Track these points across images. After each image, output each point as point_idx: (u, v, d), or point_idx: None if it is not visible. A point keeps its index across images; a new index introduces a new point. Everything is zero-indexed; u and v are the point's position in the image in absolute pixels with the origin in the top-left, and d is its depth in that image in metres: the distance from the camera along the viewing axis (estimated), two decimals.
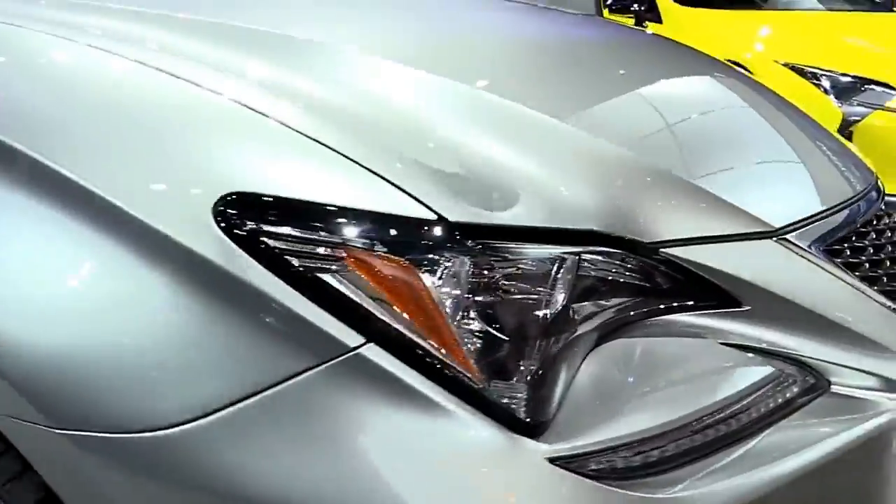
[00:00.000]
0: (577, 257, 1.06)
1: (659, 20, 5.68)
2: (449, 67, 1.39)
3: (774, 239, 1.25)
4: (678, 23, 5.45)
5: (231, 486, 0.91)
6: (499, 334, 0.98)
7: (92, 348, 0.95)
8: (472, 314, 0.98)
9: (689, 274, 1.17)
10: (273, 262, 0.93)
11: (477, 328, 0.97)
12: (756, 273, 1.20)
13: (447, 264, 0.97)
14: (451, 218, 0.98)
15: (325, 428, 0.92)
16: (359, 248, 0.95)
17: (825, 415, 1.21)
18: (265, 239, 0.94)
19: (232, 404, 0.92)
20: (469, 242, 0.98)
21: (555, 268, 1.05)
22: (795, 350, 1.20)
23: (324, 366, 0.92)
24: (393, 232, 0.96)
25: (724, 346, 1.17)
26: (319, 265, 0.94)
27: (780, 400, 1.17)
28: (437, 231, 0.97)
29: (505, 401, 0.97)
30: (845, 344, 1.24)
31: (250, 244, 0.94)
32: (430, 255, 0.96)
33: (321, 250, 0.94)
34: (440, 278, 0.96)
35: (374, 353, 0.93)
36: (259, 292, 0.93)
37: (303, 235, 0.94)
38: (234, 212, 0.95)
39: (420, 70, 1.32)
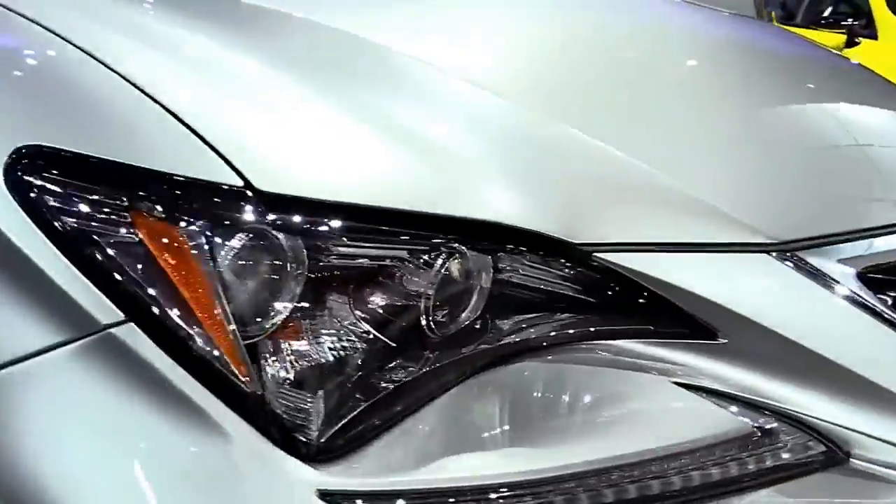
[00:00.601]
0: (446, 253, 0.83)
1: (874, 36, 5.11)
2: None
3: (774, 254, 0.95)
4: None
5: None
6: (295, 342, 0.79)
7: None
8: (263, 305, 0.78)
9: (637, 289, 0.90)
10: (45, 220, 0.78)
11: (261, 323, 0.77)
12: (740, 296, 0.91)
13: (234, 242, 0.78)
14: (263, 187, 0.79)
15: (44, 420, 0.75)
16: (144, 212, 0.78)
17: (836, 495, 0.90)
18: (46, 196, 0.79)
19: None
20: (278, 217, 0.78)
21: (412, 263, 0.83)
22: (793, 405, 0.90)
23: (70, 345, 0.76)
24: (179, 196, 0.78)
25: (677, 386, 0.89)
26: (96, 228, 0.77)
27: (751, 466, 0.87)
28: (235, 200, 0.78)
29: (282, 414, 0.76)
30: (876, 406, 0.91)
31: (31, 201, 0.79)
32: (218, 228, 0.78)
33: (103, 212, 0.78)
34: (218, 257, 0.77)
35: (131, 336, 0.75)
36: (23, 255, 0.77)
37: (83, 195, 0.78)
38: (25, 164, 0.80)
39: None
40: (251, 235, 0.78)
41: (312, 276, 0.80)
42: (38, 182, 0.79)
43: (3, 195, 0.79)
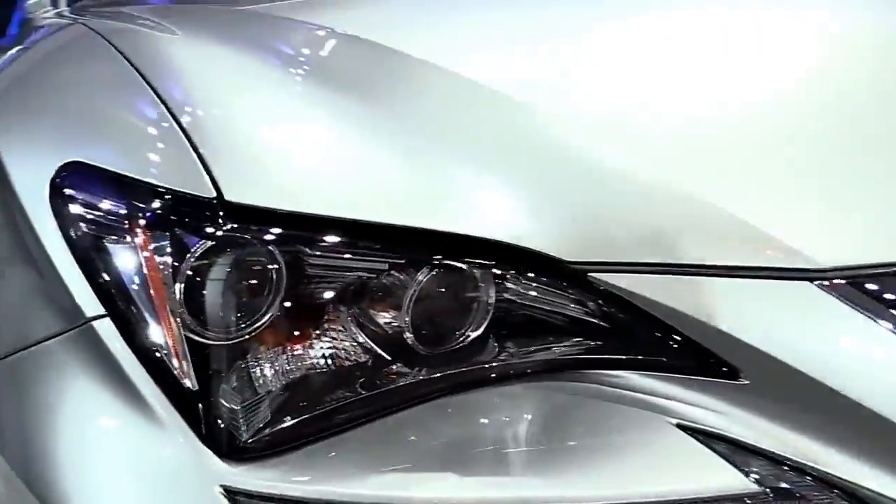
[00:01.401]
0: (421, 271, 0.81)
1: None
2: None
3: (816, 283, 0.81)
4: None
5: None
6: (254, 348, 0.81)
7: None
8: (221, 310, 0.80)
9: (644, 316, 0.80)
10: (63, 224, 0.88)
11: (218, 326, 0.80)
12: (768, 331, 0.78)
13: (199, 249, 0.81)
14: (229, 197, 0.82)
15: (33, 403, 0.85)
16: (139, 220, 0.85)
17: None
18: (71, 204, 0.89)
19: None
20: (237, 228, 0.81)
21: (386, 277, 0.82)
22: (821, 463, 0.77)
23: (64, 335, 0.85)
24: (156, 205, 0.85)
25: (679, 429, 0.78)
26: (101, 233, 0.86)
27: None
28: (204, 210, 0.82)
29: (215, 412, 0.79)
30: None
31: (58, 207, 0.89)
32: (188, 236, 0.82)
33: (109, 219, 0.87)
34: (180, 263, 0.81)
35: (106, 330, 0.82)
36: (43, 252, 0.88)
37: (93, 202, 0.88)
38: (64, 175, 0.91)
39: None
40: (215, 244, 0.81)
41: (278, 285, 0.80)
42: (68, 192, 0.89)
43: (45, 202, 0.90)
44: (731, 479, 0.76)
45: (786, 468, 0.77)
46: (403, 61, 1.00)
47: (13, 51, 1.57)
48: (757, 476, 0.76)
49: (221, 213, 0.81)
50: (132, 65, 1.02)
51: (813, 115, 0.97)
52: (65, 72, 1.24)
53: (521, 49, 1.06)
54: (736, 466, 0.77)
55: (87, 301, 0.83)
